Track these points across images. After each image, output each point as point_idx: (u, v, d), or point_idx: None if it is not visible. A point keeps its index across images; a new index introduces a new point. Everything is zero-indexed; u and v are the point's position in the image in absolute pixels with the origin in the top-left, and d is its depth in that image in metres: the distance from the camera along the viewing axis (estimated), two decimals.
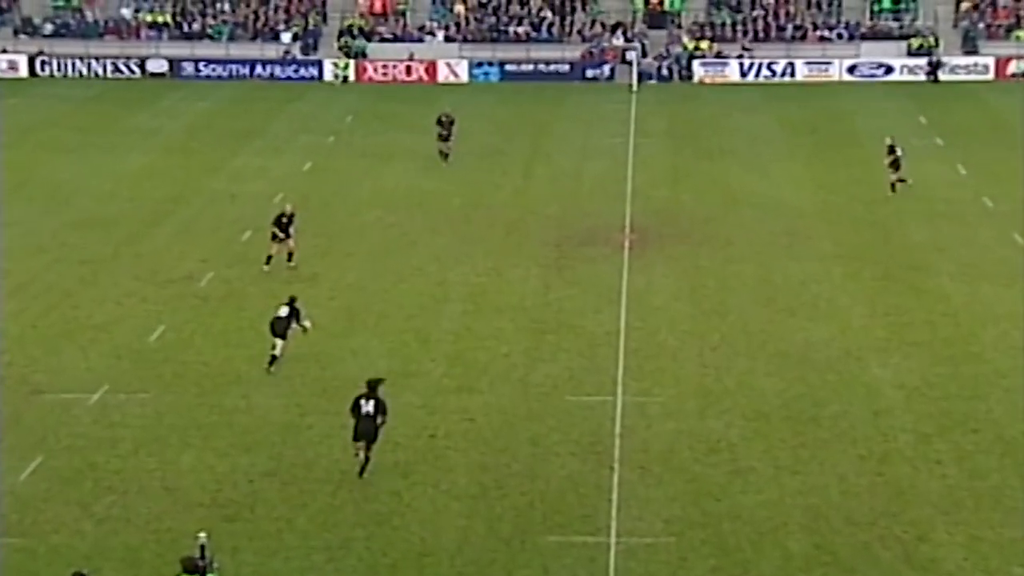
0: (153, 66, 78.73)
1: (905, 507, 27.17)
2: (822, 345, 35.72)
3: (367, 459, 28.29)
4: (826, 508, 27.13)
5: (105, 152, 59.36)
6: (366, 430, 28.14)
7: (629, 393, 32.66)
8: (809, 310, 38.52)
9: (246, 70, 78.57)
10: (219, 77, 78.19)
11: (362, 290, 40.32)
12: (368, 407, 28.12)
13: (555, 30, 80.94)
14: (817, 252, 43.92)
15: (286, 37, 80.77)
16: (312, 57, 79.84)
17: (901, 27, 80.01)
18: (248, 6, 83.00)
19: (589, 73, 77.81)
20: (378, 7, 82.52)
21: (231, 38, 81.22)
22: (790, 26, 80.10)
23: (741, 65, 77.25)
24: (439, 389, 33.03)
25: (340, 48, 79.59)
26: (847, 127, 63.11)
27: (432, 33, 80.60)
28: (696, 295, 39.83)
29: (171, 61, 78.85)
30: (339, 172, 55.38)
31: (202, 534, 22.59)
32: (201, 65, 78.77)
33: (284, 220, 41.65)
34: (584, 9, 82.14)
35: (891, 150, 50.92)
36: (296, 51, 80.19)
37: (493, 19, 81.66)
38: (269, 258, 41.60)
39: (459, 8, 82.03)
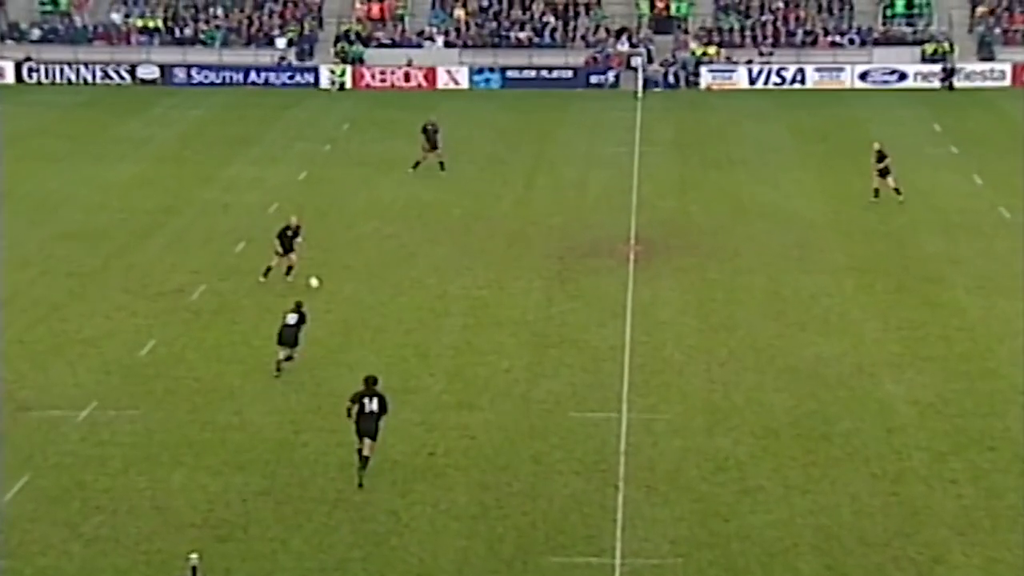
0: (144, 72, 78.82)
1: (920, 528, 27.16)
2: (834, 360, 35.72)
3: (367, 458, 28.87)
4: (838, 529, 27.12)
5: (94, 161, 59.43)
6: (368, 427, 28.86)
7: (634, 410, 32.66)
8: (820, 324, 38.53)
9: (240, 76, 78.65)
10: (212, 84, 78.28)
11: (359, 303, 40.34)
12: (372, 405, 28.85)
13: (558, 35, 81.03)
14: (828, 264, 43.93)
15: (281, 42, 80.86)
16: (308, 63, 79.93)
17: (915, 32, 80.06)
18: (242, 11, 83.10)
19: (593, 80, 77.89)
20: (376, 12, 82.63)
21: (224, 43, 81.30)
22: (800, 31, 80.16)
23: (750, 72, 77.34)
24: (438, 405, 33.04)
25: (337, 54, 79.68)
26: (859, 135, 63.03)
27: (431, 38, 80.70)
28: (703, 309, 39.84)
29: (163, 67, 78.92)
30: (336, 181, 55.42)
31: (194, 556, 22.62)
32: (194, 71, 78.86)
33: (289, 233, 41.76)
34: (588, 14, 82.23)
35: (880, 156, 51.10)
36: (291, 57, 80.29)
37: (494, 24, 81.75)
38: (268, 270, 41.64)
39: (459, 13, 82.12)
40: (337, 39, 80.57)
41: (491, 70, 78.30)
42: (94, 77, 78.88)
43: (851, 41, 79.50)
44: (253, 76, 78.67)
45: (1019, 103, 70.64)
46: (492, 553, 26.36)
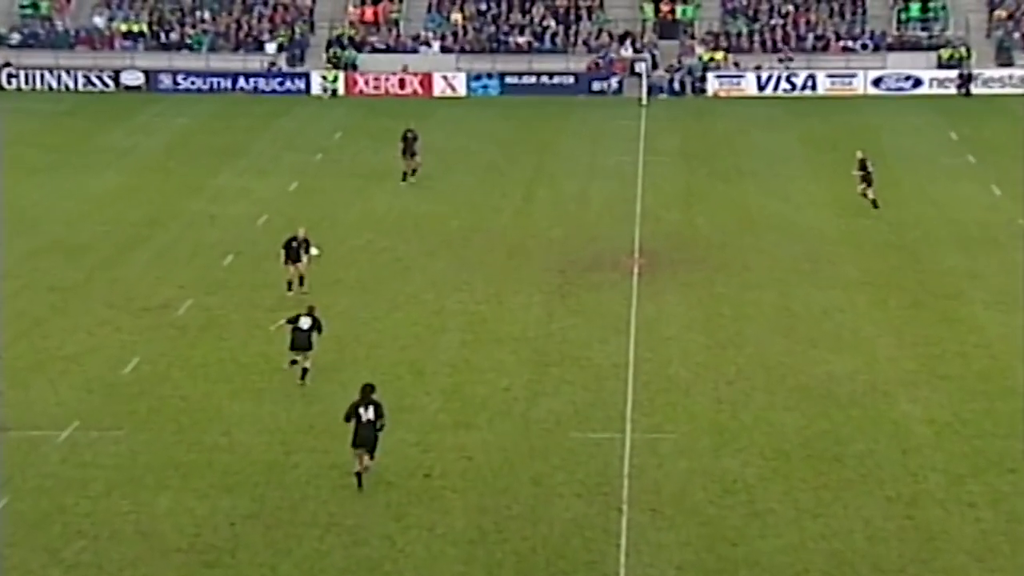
0: (128, 79, 78.96)
1: (936, 553, 27.16)
2: (846, 378, 35.74)
3: (367, 468, 29.32)
4: (851, 554, 27.12)
5: (76, 171, 59.49)
6: (366, 437, 29.29)
7: (638, 430, 32.67)
8: (832, 341, 38.55)
9: (228, 83, 78.80)
10: (199, 90, 78.43)
11: (352, 319, 40.36)
12: (368, 414, 29.31)
13: (559, 40, 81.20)
14: (841, 278, 43.98)
15: (271, 48, 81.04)
16: (299, 69, 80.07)
17: (930, 37, 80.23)
18: (230, 14, 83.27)
19: (595, 86, 78.04)
20: (369, 15, 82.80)
21: (212, 49, 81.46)
22: (811, 36, 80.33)
23: (759, 78, 77.48)
24: (435, 425, 33.05)
25: (329, 59, 79.82)
26: (872, 144, 63.02)
27: (427, 43, 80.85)
28: (710, 325, 39.87)
29: (147, 73, 79.07)
30: (328, 193, 55.48)
31: None
32: (180, 78, 79.00)
33: (295, 244, 41.87)
34: (590, 18, 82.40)
35: (862, 164, 51.30)
36: (282, 63, 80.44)
37: (493, 28, 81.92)
38: (290, 284, 41.88)
39: (456, 16, 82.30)
40: (329, 44, 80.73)
41: (489, 76, 78.44)
42: (76, 84, 79.03)
43: (864, 46, 79.68)
44: (242, 83, 78.82)
45: None
46: None
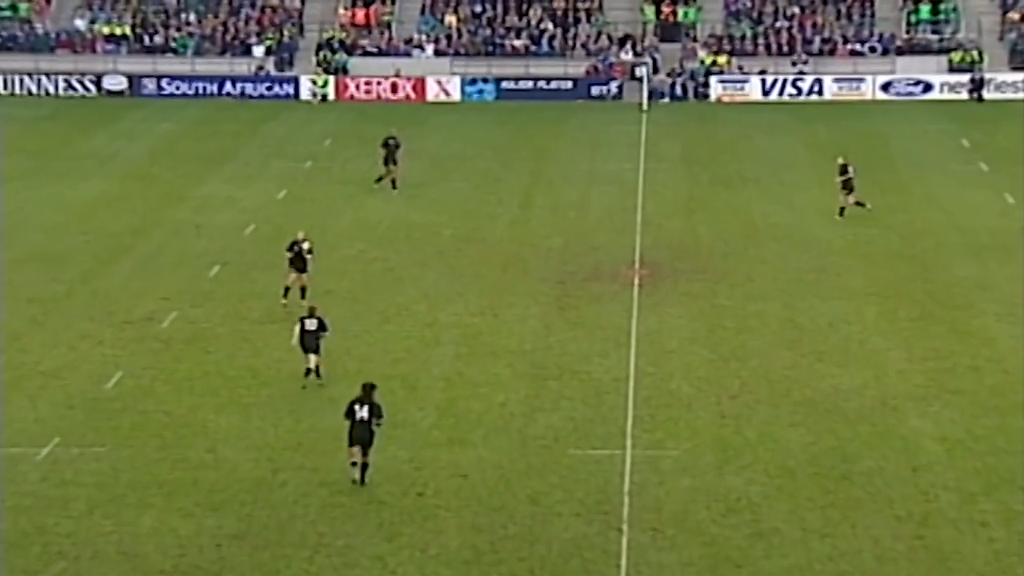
0: (110, 83, 79.01)
1: (947, 574, 27.16)
2: (854, 393, 35.75)
3: (365, 465, 30.01)
4: (859, 575, 27.11)
5: (57, 179, 59.48)
6: (361, 435, 30.00)
7: (639, 446, 32.68)
8: (839, 354, 38.57)
9: (214, 87, 78.87)
10: (184, 95, 78.47)
11: (342, 332, 40.31)
12: (363, 412, 30.02)
13: (557, 43, 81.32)
14: (848, 289, 44.01)
15: (258, 51, 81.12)
16: (287, 73, 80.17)
17: (941, 40, 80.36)
18: (216, 17, 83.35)
19: (595, 91, 78.15)
20: (361, 18, 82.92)
21: (197, 52, 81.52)
22: (817, 39, 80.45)
23: (763, 82, 77.59)
24: (428, 442, 33.04)
25: (318, 63, 79.91)
26: (881, 151, 63.28)
27: (421, 47, 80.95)
28: (713, 337, 39.89)
29: (130, 78, 79.13)
30: (317, 201, 55.51)
31: None
32: (164, 82, 79.05)
33: (296, 249, 41.92)
34: (589, 20, 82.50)
35: (843, 170, 51.49)
36: (270, 67, 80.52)
37: (488, 31, 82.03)
38: (287, 290, 41.90)
39: (450, 19, 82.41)
40: (319, 47, 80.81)
41: (485, 80, 78.53)
42: (56, 88, 79.08)
43: (872, 49, 79.81)
44: (228, 87, 78.89)
45: None
46: None
